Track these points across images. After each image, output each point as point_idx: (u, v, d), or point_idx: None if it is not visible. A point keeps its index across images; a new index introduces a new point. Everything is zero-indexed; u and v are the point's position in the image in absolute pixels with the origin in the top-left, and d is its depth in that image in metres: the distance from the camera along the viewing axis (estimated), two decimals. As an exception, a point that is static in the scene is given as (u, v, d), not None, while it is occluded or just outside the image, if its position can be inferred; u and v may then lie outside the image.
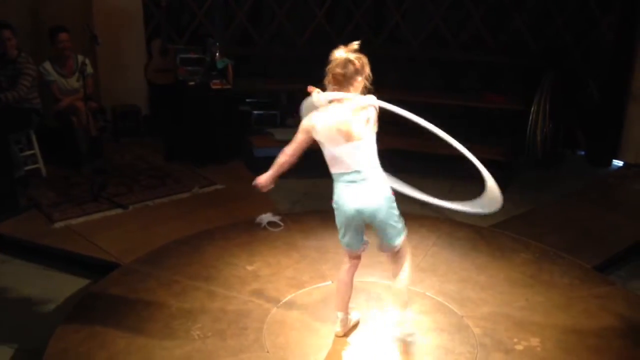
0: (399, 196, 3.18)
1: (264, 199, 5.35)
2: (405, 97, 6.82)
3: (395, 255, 3.26)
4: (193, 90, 6.25)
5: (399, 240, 3.20)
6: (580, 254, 4.38)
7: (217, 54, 6.35)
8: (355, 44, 3.07)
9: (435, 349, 3.37)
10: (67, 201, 5.25)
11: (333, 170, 3.15)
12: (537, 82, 6.43)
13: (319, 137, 3.10)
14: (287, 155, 3.20)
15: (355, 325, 3.53)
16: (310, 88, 3.18)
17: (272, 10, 7.49)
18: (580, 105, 6.74)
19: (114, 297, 3.84)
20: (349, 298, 3.42)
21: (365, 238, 3.29)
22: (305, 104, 3.16)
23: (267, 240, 4.60)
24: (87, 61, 5.75)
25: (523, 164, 6.53)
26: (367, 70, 3.10)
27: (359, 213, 3.13)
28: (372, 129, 3.07)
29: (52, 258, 4.55)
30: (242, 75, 6.82)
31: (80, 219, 4.94)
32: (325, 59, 3.08)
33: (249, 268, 4.20)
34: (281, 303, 3.78)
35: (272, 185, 3.29)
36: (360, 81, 3.08)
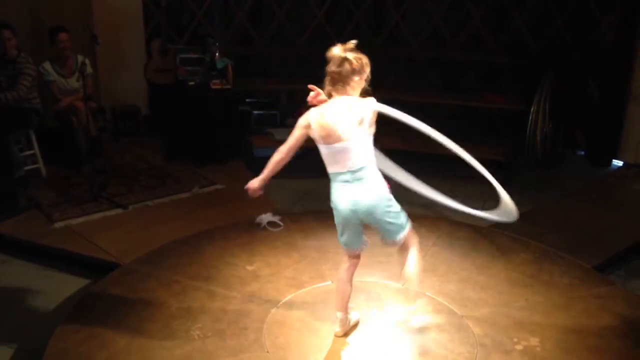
0: (411, 196, 3.17)
1: (264, 199, 5.34)
2: (405, 97, 6.86)
3: (402, 247, 3.25)
4: (193, 90, 6.25)
5: (400, 235, 3.18)
6: (580, 254, 4.38)
7: (217, 54, 6.36)
8: (352, 43, 3.05)
9: (435, 349, 3.36)
10: (67, 201, 5.25)
11: (329, 169, 3.16)
12: (537, 82, 6.44)
13: (313, 134, 3.11)
14: (282, 153, 3.22)
15: (355, 325, 3.53)
16: (312, 87, 3.18)
17: (272, 10, 7.49)
18: (580, 105, 6.74)
19: (114, 297, 3.84)
20: (349, 298, 3.41)
21: (364, 238, 3.28)
22: None
23: (267, 240, 4.60)
24: (87, 61, 5.77)
25: (523, 164, 6.53)
26: (367, 70, 3.09)
27: (354, 213, 3.13)
28: (366, 130, 3.05)
29: (52, 258, 4.55)
30: (242, 75, 6.82)
31: (80, 219, 4.94)
32: (325, 59, 3.07)
33: (249, 268, 4.21)
34: (281, 303, 3.78)
35: (261, 192, 3.31)
36: (357, 81, 3.06)
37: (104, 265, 4.26)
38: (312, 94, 3.21)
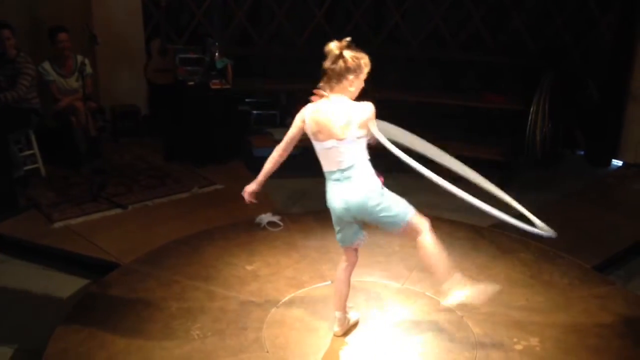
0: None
1: (264, 199, 5.34)
2: (404, 97, 6.88)
3: (408, 236, 3.20)
4: (192, 90, 6.25)
5: (399, 226, 3.13)
6: (580, 254, 4.38)
7: (217, 53, 6.35)
8: (346, 40, 3.02)
9: (435, 349, 3.37)
10: (66, 201, 5.25)
11: (323, 168, 3.17)
12: (536, 82, 6.43)
13: (307, 130, 3.12)
14: (279, 150, 3.25)
15: (355, 325, 3.53)
16: (317, 92, 3.16)
17: (272, 10, 7.49)
18: (580, 105, 6.75)
19: (113, 297, 3.84)
20: (347, 297, 3.41)
21: (362, 233, 3.25)
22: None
23: (267, 240, 4.60)
24: (86, 61, 5.76)
25: (522, 164, 6.53)
26: (365, 70, 3.07)
27: (347, 211, 3.13)
28: (354, 131, 3.03)
29: (51, 258, 4.54)
30: (242, 75, 6.81)
31: (80, 219, 4.94)
32: (324, 59, 3.07)
33: (249, 268, 4.20)
34: (281, 303, 3.78)
35: (255, 200, 3.35)
36: (352, 80, 3.05)
37: (104, 265, 4.26)
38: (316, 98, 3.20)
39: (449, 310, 3.71)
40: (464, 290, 3.17)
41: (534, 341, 3.41)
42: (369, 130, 3.07)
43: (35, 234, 4.73)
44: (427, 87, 7.33)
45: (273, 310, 3.69)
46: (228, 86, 6.35)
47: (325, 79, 3.08)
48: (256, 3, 7.46)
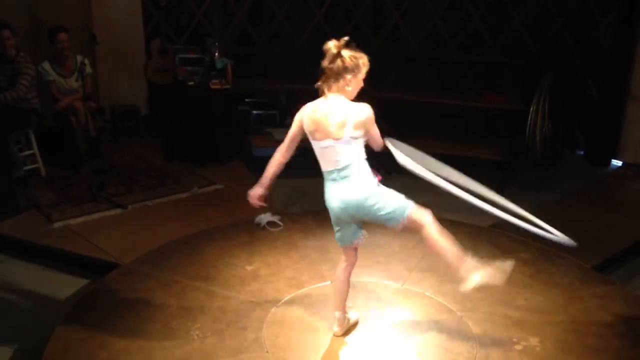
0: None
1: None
2: (404, 96, 6.88)
3: (412, 230, 3.17)
4: (192, 90, 6.25)
5: (399, 222, 3.11)
6: (579, 254, 4.37)
7: (216, 53, 6.35)
8: (344, 39, 3.02)
9: (434, 349, 3.37)
10: (66, 201, 5.25)
11: (321, 168, 3.18)
12: (536, 82, 6.43)
13: (305, 129, 3.12)
14: (280, 151, 3.26)
15: (355, 325, 3.53)
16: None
17: (271, 10, 7.49)
18: (580, 105, 6.75)
19: (113, 297, 3.84)
20: (346, 297, 3.42)
21: (361, 232, 3.25)
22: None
23: (267, 241, 4.61)
24: (86, 61, 5.76)
25: (522, 164, 6.53)
26: (363, 70, 3.07)
27: (344, 210, 3.14)
28: (349, 132, 3.02)
29: (51, 258, 4.55)
30: (241, 75, 6.81)
31: (80, 219, 4.94)
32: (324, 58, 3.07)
33: (249, 268, 4.21)
34: (280, 303, 3.78)
35: (261, 203, 3.35)
36: (350, 79, 3.04)
37: (104, 265, 4.26)
38: None
39: (448, 310, 3.72)
40: (481, 273, 3.14)
41: (534, 341, 3.41)
42: (365, 132, 3.06)
43: (35, 234, 4.74)
44: (427, 87, 7.32)
45: (273, 310, 3.69)
46: (228, 86, 6.35)
47: (323, 78, 3.08)
48: (256, 3, 7.46)
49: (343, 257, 3.35)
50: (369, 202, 3.07)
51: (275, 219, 4.83)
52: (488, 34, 7.36)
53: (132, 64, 7.02)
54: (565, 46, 7.01)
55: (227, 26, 7.43)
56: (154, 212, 5.18)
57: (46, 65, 5.96)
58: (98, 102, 6.52)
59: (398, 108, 6.70)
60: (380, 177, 3.15)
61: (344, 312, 3.44)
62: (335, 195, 3.12)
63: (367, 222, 3.22)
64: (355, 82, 3.07)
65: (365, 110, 3.05)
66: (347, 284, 3.37)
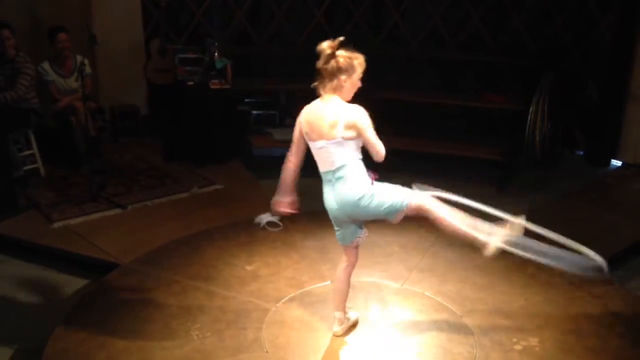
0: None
1: (263, 199, 5.34)
2: (404, 96, 6.88)
3: (418, 216, 3.17)
4: (192, 90, 6.25)
5: (400, 211, 3.11)
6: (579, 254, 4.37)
7: (216, 53, 6.35)
8: (338, 40, 3.01)
9: (434, 349, 3.37)
10: (65, 201, 5.25)
11: (319, 169, 3.18)
12: (536, 82, 6.43)
13: (303, 131, 3.13)
14: (289, 156, 3.26)
15: (354, 325, 3.53)
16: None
17: (271, 9, 7.49)
18: (580, 105, 6.75)
19: (113, 297, 3.84)
20: (346, 297, 3.42)
21: (361, 230, 3.25)
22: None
23: (267, 241, 4.61)
24: (85, 61, 5.76)
25: (522, 164, 6.53)
26: (358, 70, 3.06)
27: (341, 211, 3.15)
28: (341, 133, 3.01)
29: (51, 258, 4.54)
30: (241, 75, 6.81)
31: (79, 219, 4.94)
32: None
33: (248, 268, 4.21)
34: (280, 303, 3.78)
35: (293, 209, 3.40)
36: (344, 80, 3.03)
37: (103, 266, 4.26)
38: None
39: (448, 310, 3.72)
40: (498, 236, 3.17)
41: (533, 341, 3.41)
42: (358, 134, 3.04)
43: (34, 234, 4.73)
44: (427, 87, 7.32)
45: (273, 310, 3.70)
46: (227, 86, 6.35)
47: (319, 78, 3.08)
48: (256, 3, 7.46)
49: (344, 257, 3.35)
50: (364, 202, 3.07)
51: (275, 219, 4.83)
52: (488, 34, 7.36)
53: (132, 64, 7.01)
54: (565, 46, 7.01)
55: (226, 26, 7.43)
56: (154, 212, 5.18)
57: (46, 65, 5.96)
58: (98, 102, 6.52)
59: (398, 108, 6.70)
60: (375, 177, 3.14)
61: (344, 312, 3.45)
62: (332, 197, 3.14)
63: (368, 220, 3.21)
64: (350, 83, 3.07)
65: (356, 112, 3.04)
66: (348, 284, 3.37)
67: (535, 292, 3.92)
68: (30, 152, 5.83)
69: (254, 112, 7.08)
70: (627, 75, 6.52)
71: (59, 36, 5.89)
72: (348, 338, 3.45)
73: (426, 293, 3.91)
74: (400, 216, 3.13)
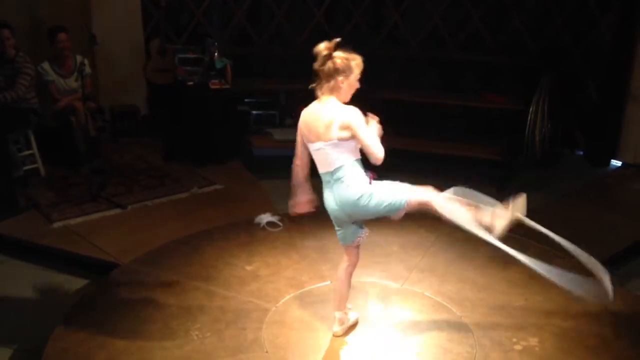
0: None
1: (263, 199, 5.36)
2: (404, 96, 6.88)
3: (421, 210, 3.14)
4: (192, 90, 6.25)
5: (401, 208, 3.09)
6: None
7: (216, 53, 6.35)
8: (335, 41, 3.01)
9: (434, 349, 3.37)
10: (65, 201, 5.25)
11: (318, 171, 3.19)
12: (536, 82, 6.43)
13: (302, 133, 3.13)
14: (295, 159, 3.26)
15: (354, 325, 3.53)
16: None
17: (271, 9, 7.49)
18: (579, 105, 6.75)
19: (113, 297, 3.84)
20: (347, 297, 3.42)
21: (362, 229, 3.25)
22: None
23: (267, 241, 4.61)
24: (85, 61, 5.77)
25: (522, 164, 6.53)
26: (356, 71, 3.05)
27: (341, 211, 3.15)
28: (335, 134, 3.01)
29: (51, 258, 4.54)
30: (241, 75, 6.81)
31: (79, 219, 4.94)
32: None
33: (248, 268, 4.21)
34: (280, 303, 3.78)
35: (311, 208, 3.34)
36: (341, 81, 3.03)
37: (103, 266, 4.26)
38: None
39: (448, 310, 3.72)
40: (502, 217, 3.19)
41: (533, 341, 3.41)
42: (353, 135, 3.02)
43: (34, 234, 4.73)
44: (427, 87, 7.32)
45: (273, 310, 3.70)
46: (227, 86, 6.35)
47: (316, 80, 3.08)
48: (255, 3, 7.46)
49: (344, 257, 3.35)
50: (363, 201, 3.07)
51: (275, 219, 4.83)
52: (488, 34, 7.36)
53: (132, 64, 7.02)
54: (565, 46, 7.01)
55: (226, 26, 7.43)
56: (154, 212, 5.18)
57: (45, 65, 5.96)
58: (98, 102, 6.52)
59: (398, 108, 6.69)
60: (373, 177, 3.14)
61: (344, 312, 3.45)
62: (331, 198, 3.14)
63: (369, 219, 3.21)
64: (347, 84, 3.06)
65: (350, 113, 3.03)
66: (348, 284, 3.37)
67: (535, 292, 3.92)
68: (30, 152, 5.83)
69: (254, 112, 7.08)
70: (627, 75, 6.52)
71: (59, 36, 5.89)
72: (348, 338, 3.45)
73: (426, 293, 3.91)
74: (402, 213, 3.13)
